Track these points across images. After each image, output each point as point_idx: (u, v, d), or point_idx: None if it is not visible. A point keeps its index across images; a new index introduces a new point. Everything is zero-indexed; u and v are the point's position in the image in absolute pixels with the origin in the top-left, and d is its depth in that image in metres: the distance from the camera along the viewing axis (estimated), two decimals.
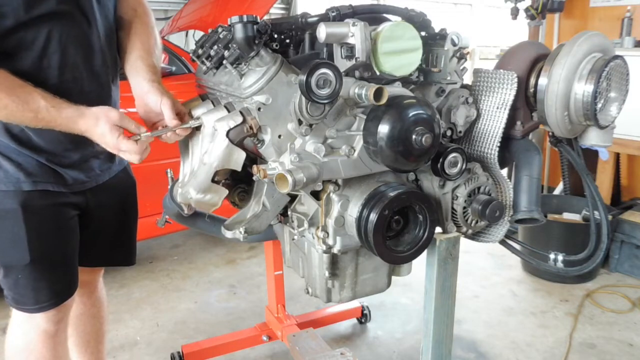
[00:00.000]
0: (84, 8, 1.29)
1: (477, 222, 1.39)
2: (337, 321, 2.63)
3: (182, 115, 1.27)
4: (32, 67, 1.22)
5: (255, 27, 1.12)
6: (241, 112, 1.15)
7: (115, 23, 1.42)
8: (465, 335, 2.55)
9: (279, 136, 1.17)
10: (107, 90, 1.41)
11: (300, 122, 1.15)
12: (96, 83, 1.36)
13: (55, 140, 1.32)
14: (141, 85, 1.32)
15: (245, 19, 1.10)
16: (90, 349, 1.78)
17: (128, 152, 1.21)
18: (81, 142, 1.31)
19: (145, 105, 1.29)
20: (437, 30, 1.30)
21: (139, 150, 1.21)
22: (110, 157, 1.49)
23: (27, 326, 1.43)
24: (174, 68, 3.08)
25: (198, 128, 1.28)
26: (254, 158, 1.32)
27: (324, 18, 1.17)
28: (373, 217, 1.18)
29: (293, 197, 1.29)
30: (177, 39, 4.44)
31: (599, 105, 1.28)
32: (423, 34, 1.26)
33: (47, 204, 1.34)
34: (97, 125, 1.20)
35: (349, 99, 1.17)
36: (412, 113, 1.14)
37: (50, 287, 1.39)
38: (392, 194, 1.19)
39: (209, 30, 1.37)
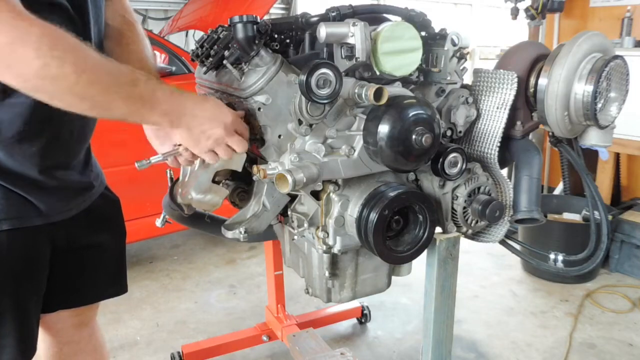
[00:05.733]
0: (79, 4, 1.11)
1: (477, 222, 1.39)
2: (337, 321, 2.63)
3: None
4: None
5: (255, 27, 1.12)
6: None
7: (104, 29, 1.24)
8: (465, 335, 2.55)
9: (279, 136, 1.17)
10: None
11: (300, 122, 1.15)
12: None
13: (30, 162, 1.11)
14: None
15: (245, 19, 1.10)
16: None
17: (242, 135, 1.09)
18: (63, 161, 1.18)
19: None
20: (437, 30, 1.30)
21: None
22: (92, 178, 1.31)
23: None
24: (174, 68, 3.08)
25: None
26: (254, 158, 1.33)
27: (324, 18, 1.17)
28: (373, 217, 1.18)
29: (293, 197, 1.29)
30: (177, 39, 4.45)
31: (599, 105, 1.28)
32: (423, 34, 1.26)
33: (16, 246, 1.12)
34: (208, 101, 1.05)
35: (349, 99, 1.17)
36: (412, 113, 1.14)
37: (17, 345, 1.17)
38: (392, 194, 1.19)
39: (209, 30, 1.37)
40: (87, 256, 1.35)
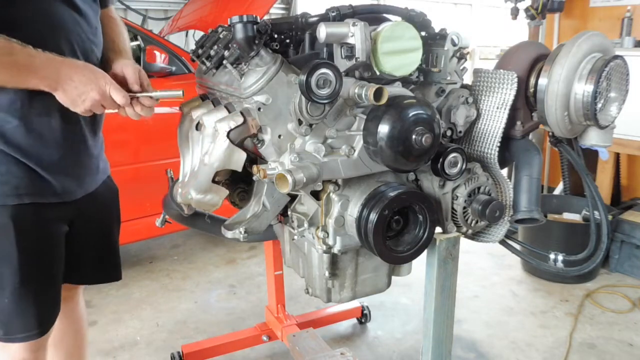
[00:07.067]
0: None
1: (477, 222, 1.39)
2: (337, 321, 2.63)
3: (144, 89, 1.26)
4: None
5: (255, 27, 1.12)
6: (241, 113, 1.15)
7: None
8: (465, 335, 2.55)
9: (279, 136, 1.17)
10: None
11: (300, 122, 1.15)
12: None
13: (48, 141, 1.23)
14: (115, 62, 1.32)
15: (245, 19, 1.10)
16: None
17: (117, 91, 1.16)
18: (75, 143, 1.28)
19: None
20: (437, 30, 1.30)
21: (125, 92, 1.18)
22: (98, 162, 1.42)
23: (0, 358, 1.31)
24: (174, 68, 3.08)
25: (197, 127, 1.28)
26: (254, 158, 1.33)
27: (324, 18, 1.17)
28: (373, 217, 1.18)
29: (293, 197, 1.29)
30: (177, 39, 4.45)
31: (599, 105, 1.28)
32: (423, 34, 1.26)
33: (36, 219, 1.25)
34: (84, 65, 1.14)
35: (349, 99, 1.17)
36: (412, 113, 1.14)
37: (38, 313, 1.29)
38: (392, 194, 1.19)
39: (209, 30, 1.37)
40: (86, 239, 1.44)
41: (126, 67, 1.25)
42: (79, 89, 1.13)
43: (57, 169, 1.26)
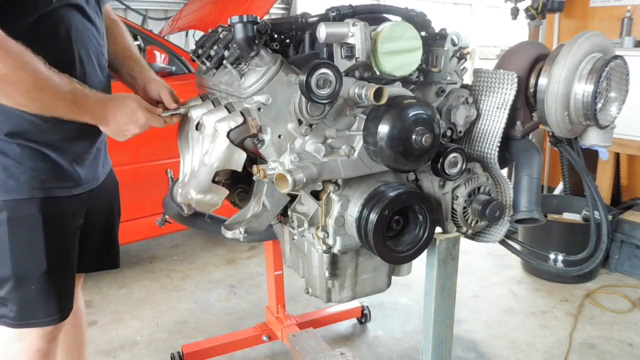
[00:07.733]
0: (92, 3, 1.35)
1: (477, 222, 1.39)
2: (337, 321, 2.63)
3: (177, 104, 1.40)
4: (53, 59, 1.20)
5: (255, 27, 1.12)
6: (241, 113, 1.15)
7: None
8: (465, 335, 2.55)
9: (279, 136, 1.17)
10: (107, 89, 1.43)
11: (300, 122, 1.15)
12: (104, 78, 1.42)
13: (74, 138, 1.31)
14: (143, 75, 1.46)
15: (245, 19, 1.10)
16: None
17: (156, 120, 1.31)
18: (91, 137, 1.37)
19: (145, 92, 1.42)
20: (437, 30, 1.30)
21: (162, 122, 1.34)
22: (105, 155, 1.53)
23: (16, 346, 1.36)
24: (174, 68, 3.07)
25: (197, 127, 1.28)
26: (254, 158, 1.33)
27: (324, 18, 1.17)
28: (373, 217, 1.18)
29: (293, 197, 1.29)
30: (177, 39, 4.45)
31: (599, 105, 1.28)
32: (423, 34, 1.26)
33: (61, 211, 1.33)
34: (127, 105, 1.26)
35: (349, 99, 1.17)
36: (412, 113, 1.14)
37: (59, 298, 1.36)
38: (392, 194, 1.19)
39: (209, 30, 1.37)
40: (93, 229, 1.49)
41: (162, 89, 1.40)
42: (121, 127, 1.27)
43: (81, 161, 1.36)
